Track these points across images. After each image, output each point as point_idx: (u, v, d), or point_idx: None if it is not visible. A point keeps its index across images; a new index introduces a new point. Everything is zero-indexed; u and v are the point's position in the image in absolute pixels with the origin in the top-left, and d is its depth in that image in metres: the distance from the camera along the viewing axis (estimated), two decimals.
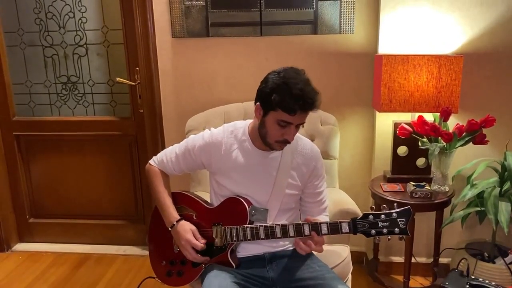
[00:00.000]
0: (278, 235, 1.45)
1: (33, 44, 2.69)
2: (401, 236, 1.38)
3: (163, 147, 2.56)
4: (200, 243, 1.52)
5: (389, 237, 1.39)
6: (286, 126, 1.43)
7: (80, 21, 2.61)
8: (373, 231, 1.38)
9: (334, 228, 1.42)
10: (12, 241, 2.92)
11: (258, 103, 1.46)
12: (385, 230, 1.37)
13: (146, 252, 2.65)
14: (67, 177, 2.84)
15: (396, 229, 1.37)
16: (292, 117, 1.40)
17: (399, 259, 2.42)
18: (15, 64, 2.73)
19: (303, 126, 1.47)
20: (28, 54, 2.71)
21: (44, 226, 2.94)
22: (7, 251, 2.88)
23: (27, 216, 2.94)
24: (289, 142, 1.48)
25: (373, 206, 1.49)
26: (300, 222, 1.45)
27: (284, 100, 1.38)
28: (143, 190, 2.79)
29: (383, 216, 1.38)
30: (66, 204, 2.89)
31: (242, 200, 1.53)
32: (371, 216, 1.39)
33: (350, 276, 1.84)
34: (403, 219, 1.37)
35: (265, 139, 1.49)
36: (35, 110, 2.80)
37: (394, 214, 1.37)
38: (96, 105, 2.74)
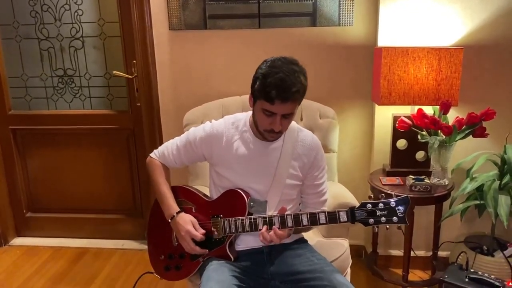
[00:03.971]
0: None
1: (29, 37, 2.66)
2: (399, 225, 1.36)
3: (161, 141, 2.55)
4: (200, 233, 1.52)
5: (387, 226, 1.38)
6: (271, 115, 1.42)
7: (76, 13, 2.58)
8: (371, 220, 1.37)
9: (332, 217, 1.41)
10: (9, 235, 2.91)
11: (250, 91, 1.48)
12: (383, 219, 1.36)
13: (144, 246, 2.64)
14: (64, 171, 2.82)
15: (394, 217, 1.36)
16: (273, 106, 1.39)
17: (398, 252, 2.42)
18: (10, 57, 2.70)
19: (287, 117, 1.44)
20: (23, 47, 2.68)
21: (42, 220, 2.92)
22: (4, 245, 2.86)
23: (24, 211, 2.92)
24: (276, 132, 1.46)
25: (371, 195, 1.48)
26: (298, 212, 1.44)
27: (264, 89, 1.38)
28: (141, 183, 2.77)
29: (381, 204, 1.37)
30: (64, 198, 2.87)
31: (241, 192, 1.53)
32: (369, 205, 1.38)
33: (349, 269, 1.84)
34: (401, 208, 1.35)
35: (257, 127, 1.50)
36: (31, 103, 2.77)
37: (392, 203, 1.36)
38: (93, 98, 2.72)
